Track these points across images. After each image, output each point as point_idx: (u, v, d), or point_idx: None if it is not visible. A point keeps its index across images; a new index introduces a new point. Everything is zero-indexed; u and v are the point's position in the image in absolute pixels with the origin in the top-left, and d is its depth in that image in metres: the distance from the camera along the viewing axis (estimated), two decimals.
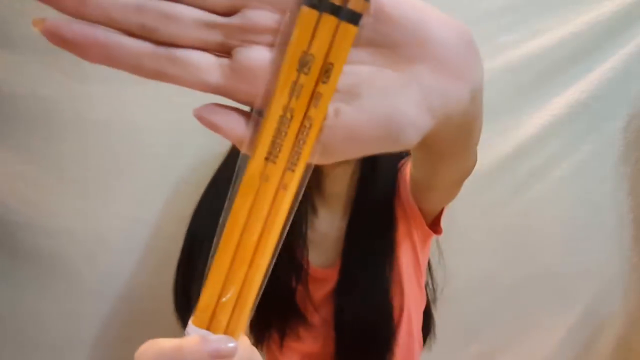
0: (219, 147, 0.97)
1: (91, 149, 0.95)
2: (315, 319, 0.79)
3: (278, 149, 0.28)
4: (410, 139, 0.29)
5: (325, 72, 0.28)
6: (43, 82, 0.91)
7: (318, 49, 0.28)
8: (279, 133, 0.28)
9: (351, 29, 0.27)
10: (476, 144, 0.47)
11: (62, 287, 0.96)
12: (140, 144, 0.96)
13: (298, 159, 0.29)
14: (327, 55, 0.28)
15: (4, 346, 0.96)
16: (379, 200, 0.77)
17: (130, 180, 0.96)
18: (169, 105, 0.95)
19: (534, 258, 1.11)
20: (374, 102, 0.28)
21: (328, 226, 0.80)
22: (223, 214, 0.29)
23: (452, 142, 0.42)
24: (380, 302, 0.76)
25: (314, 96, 0.28)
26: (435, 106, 0.29)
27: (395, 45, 0.28)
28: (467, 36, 0.29)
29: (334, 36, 0.28)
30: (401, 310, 0.77)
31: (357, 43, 0.28)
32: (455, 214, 0.87)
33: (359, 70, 0.28)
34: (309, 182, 0.30)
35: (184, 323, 0.76)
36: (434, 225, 0.77)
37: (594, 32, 1.05)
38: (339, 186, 0.78)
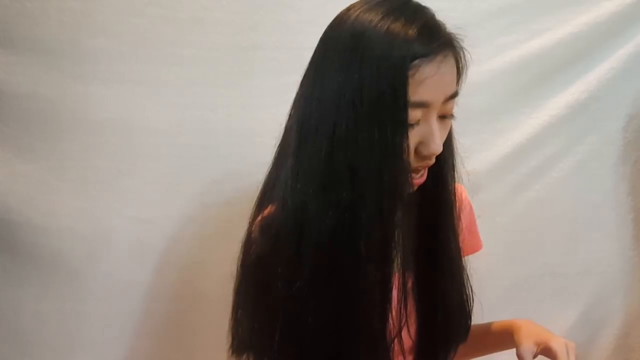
0: (219, 147, 0.97)
1: (91, 149, 0.95)
2: None
3: None
4: None
5: None
6: (43, 82, 0.91)
7: None
8: None
9: None
10: None
11: (63, 287, 0.96)
12: (140, 144, 0.96)
13: None
14: None
15: (4, 346, 0.96)
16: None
17: (130, 180, 0.96)
18: (169, 105, 0.95)
19: (534, 258, 1.11)
20: None
21: None
22: None
23: None
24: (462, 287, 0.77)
25: None
26: None
27: None
28: None
29: None
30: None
31: None
32: None
33: None
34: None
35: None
36: None
37: (593, 32, 1.05)
38: None
